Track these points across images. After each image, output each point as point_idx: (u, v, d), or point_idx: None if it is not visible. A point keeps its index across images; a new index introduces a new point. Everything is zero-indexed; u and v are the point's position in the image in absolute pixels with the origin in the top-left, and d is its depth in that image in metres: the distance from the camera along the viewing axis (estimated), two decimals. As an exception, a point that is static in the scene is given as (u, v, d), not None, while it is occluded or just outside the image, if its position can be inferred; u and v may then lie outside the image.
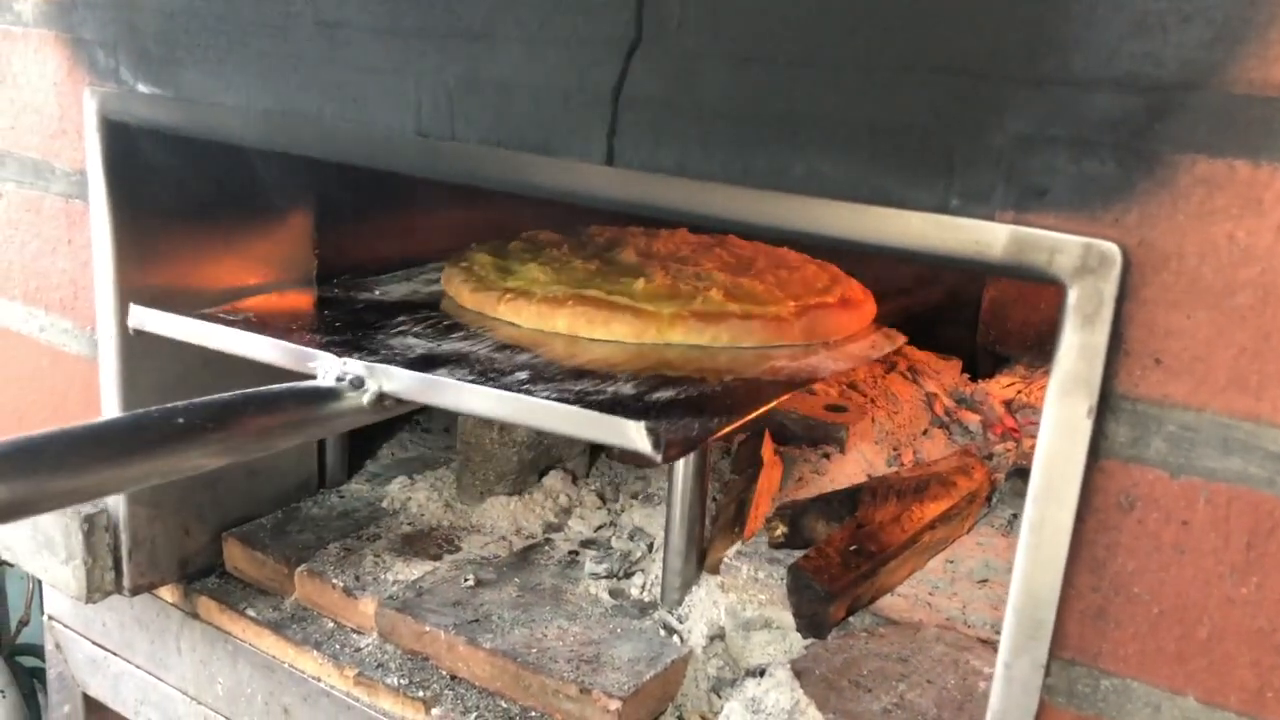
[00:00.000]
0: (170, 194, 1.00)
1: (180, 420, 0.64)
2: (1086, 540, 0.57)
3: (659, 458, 0.69)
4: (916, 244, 0.60)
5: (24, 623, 2.48)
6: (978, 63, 0.57)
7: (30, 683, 2.44)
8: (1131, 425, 0.56)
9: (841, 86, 0.60)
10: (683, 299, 0.99)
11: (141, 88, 0.91)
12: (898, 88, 0.59)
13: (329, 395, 0.76)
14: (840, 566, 0.85)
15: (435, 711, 0.93)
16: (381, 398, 0.77)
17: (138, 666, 1.16)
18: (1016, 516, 1.06)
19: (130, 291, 0.98)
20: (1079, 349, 0.55)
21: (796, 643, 0.89)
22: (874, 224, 0.60)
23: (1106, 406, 0.56)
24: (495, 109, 0.73)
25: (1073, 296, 0.55)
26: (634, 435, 0.69)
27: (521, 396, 0.76)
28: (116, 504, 1.03)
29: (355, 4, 0.77)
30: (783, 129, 0.62)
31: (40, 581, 2.24)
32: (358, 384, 0.77)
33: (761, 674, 0.82)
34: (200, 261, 1.04)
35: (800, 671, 0.78)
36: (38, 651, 2.53)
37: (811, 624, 0.83)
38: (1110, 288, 0.54)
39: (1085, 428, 0.56)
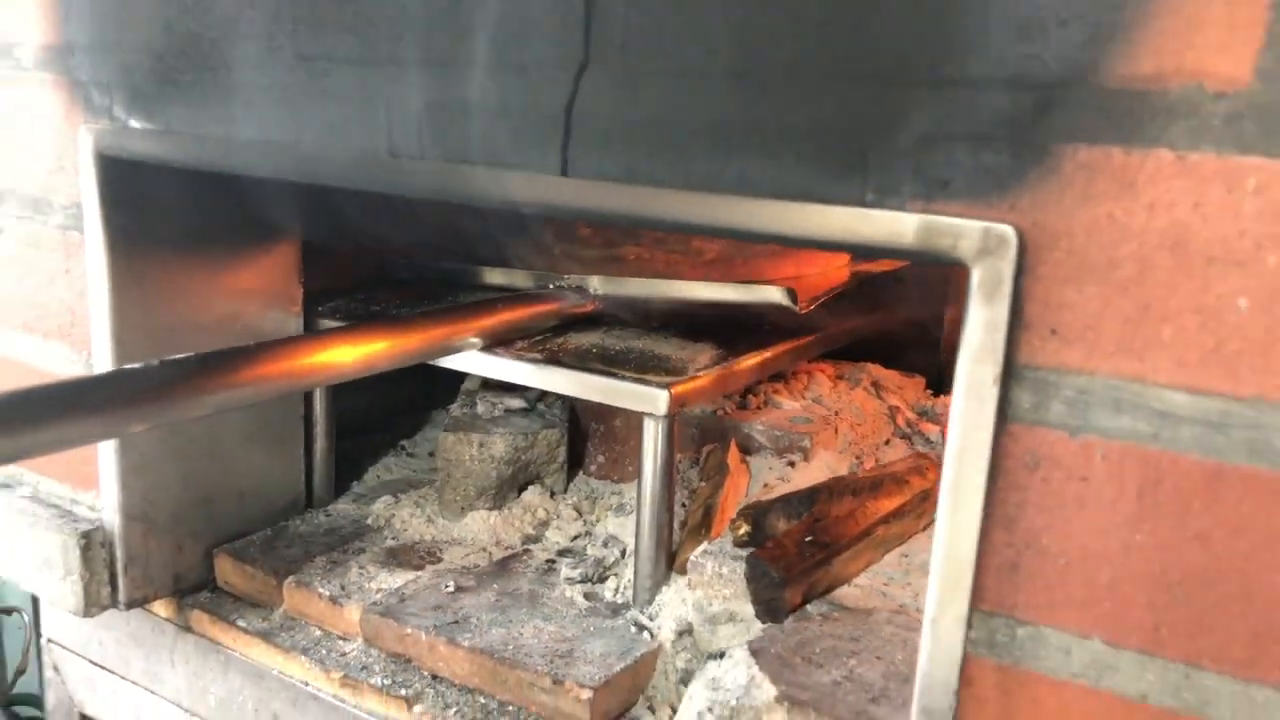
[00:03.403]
0: (162, 224, 1.06)
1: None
2: (998, 499, 0.63)
3: (798, 309, 1.14)
4: (839, 236, 0.66)
5: (21, 671, 2.49)
6: (886, 70, 0.63)
7: (28, 733, 2.46)
8: (1033, 391, 0.61)
9: (766, 96, 0.67)
10: None
11: (134, 123, 0.98)
12: (816, 95, 0.65)
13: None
14: (796, 555, 0.90)
15: (418, 708, 0.97)
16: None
17: (133, 682, 1.20)
18: (971, 515, 1.11)
19: (124, 318, 1.04)
20: (984, 323, 0.61)
21: (758, 632, 0.93)
22: (800, 219, 0.66)
23: (1010, 374, 0.61)
24: (459, 129, 0.79)
25: (976, 276, 0.61)
26: (777, 295, 1.14)
27: (693, 282, 1.17)
28: (112, 521, 1.08)
29: (332, 38, 0.84)
30: (716, 136, 0.69)
31: (39, 626, 2.28)
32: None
33: (722, 656, 0.87)
34: (192, 290, 1.09)
35: (756, 651, 0.83)
36: (35, 701, 2.55)
37: (769, 609, 0.88)
38: (1008, 266, 0.60)
39: (992, 395, 0.61)
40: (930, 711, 0.66)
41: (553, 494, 1.26)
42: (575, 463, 1.31)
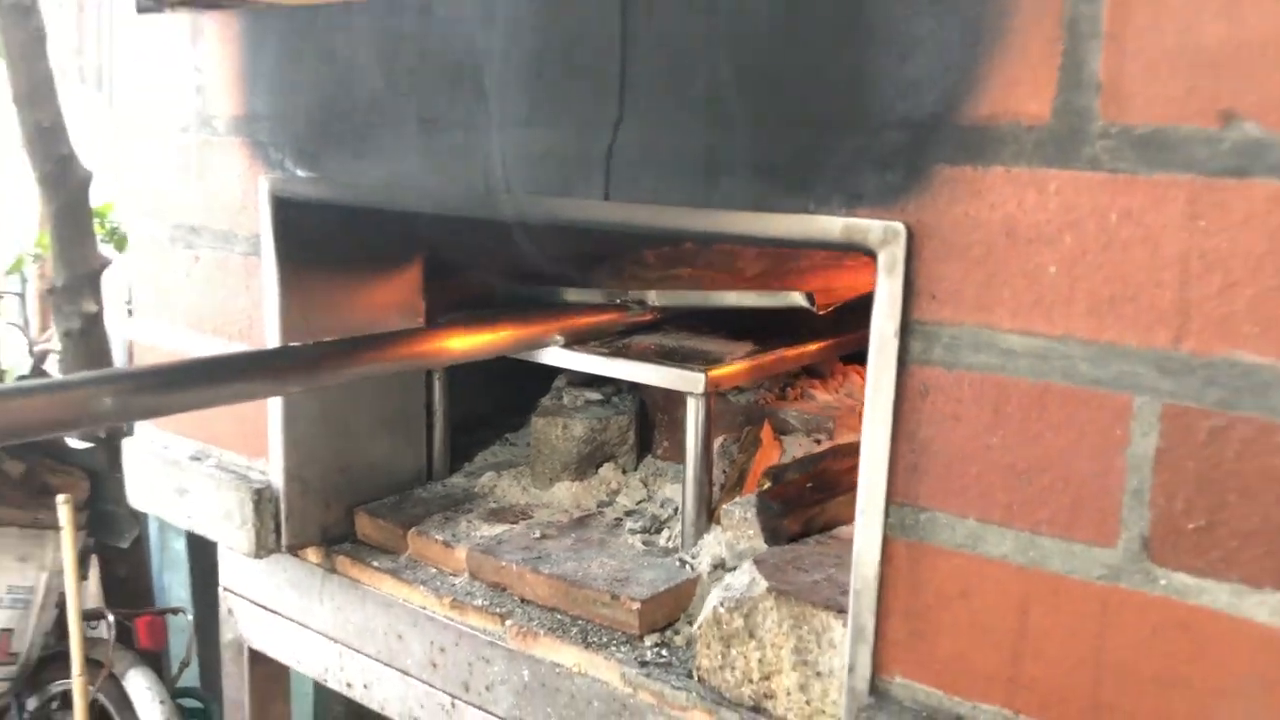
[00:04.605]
0: (319, 251, 1.37)
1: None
2: (902, 419, 0.88)
3: (816, 310, 1.38)
4: (793, 235, 0.92)
5: (185, 664, 2.83)
6: (820, 118, 0.90)
7: (190, 724, 2.77)
8: (922, 340, 0.86)
9: (742, 140, 0.94)
10: None
11: (299, 173, 1.30)
12: (775, 137, 0.92)
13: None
14: (796, 495, 1.15)
15: (509, 622, 1.24)
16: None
17: (290, 619, 1.50)
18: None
19: (290, 322, 1.35)
20: (887, 293, 0.87)
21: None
22: (765, 224, 0.93)
23: (906, 328, 0.86)
24: (533, 168, 1.08)
25: (881, 259, 0.87)
26: (798, 299, 1.38)
27: (731, 292, 1.45)
28: (277, 482, 1.39)
29: (445, 106, 1.14)
30: (709, 167, 0.96)
31: (191, 626, 2.63)
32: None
33: (734, 569, 1.12)
34: (340, 302, 1.40)
35: (759, 562, 1.08)
36: (197, 694, 2.90)
37: (772, 534, 1.13)
38: (901, 251, 0.86)
39: (894, 344, 0.87)
40: (863, 578, 0.91)
41: (624, 470, 1.53)
42: (646, 448, 1.58)
